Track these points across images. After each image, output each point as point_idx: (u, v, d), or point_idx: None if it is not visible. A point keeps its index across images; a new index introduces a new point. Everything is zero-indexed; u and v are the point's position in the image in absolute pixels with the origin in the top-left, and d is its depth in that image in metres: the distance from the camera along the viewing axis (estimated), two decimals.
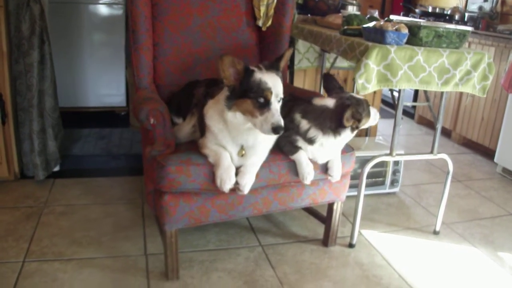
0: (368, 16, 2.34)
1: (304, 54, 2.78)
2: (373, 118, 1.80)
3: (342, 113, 1.66)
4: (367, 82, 1.79)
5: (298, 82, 2.85)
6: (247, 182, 1.65)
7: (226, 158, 1.63)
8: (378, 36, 1.83)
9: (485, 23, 3.83)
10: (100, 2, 3.68)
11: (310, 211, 2.29)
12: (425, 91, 2.10)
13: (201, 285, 1.80)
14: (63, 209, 2.30)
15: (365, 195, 2.32)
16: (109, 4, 3.71)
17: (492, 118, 3.37)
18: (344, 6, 2.76)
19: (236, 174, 1.65)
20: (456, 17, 4.11)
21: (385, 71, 1.81)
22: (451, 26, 1.89)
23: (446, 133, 3.94)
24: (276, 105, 1.53)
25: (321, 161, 1.82)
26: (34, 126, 2.45)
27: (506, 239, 2.31)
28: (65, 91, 3.59)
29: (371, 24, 1.92)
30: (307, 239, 2.18)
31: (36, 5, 2.33)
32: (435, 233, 2.30)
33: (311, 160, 1.79)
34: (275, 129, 1.49)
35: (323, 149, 1.78)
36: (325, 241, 2.13)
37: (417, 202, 2.68)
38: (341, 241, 2.16)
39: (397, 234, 2.29)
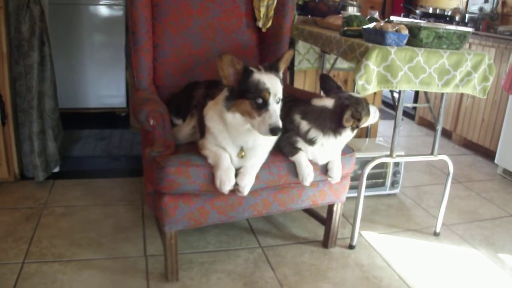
0: (368, 17, 2.34)
1: (304, 55, 2.78)
2: (373, 116, 1.79)
3: (342, 113, 1.66)
4: (367, 83, 1.79)
5: (299, 83, 2.85)
6: (247, 184, 1.65)
7: (225, 160, 1.63)
8: (378, 37, 1.83)
9: (486, 24, 3.83)
10: (100, 3, 3.68)
11: (310, 212, 2.28)
12: (425, 92, 2.10)
13: (201, 286, 1.79)
14: (63, 210, 2.30)
15: (365, 197, 2.31)
16: (109, 5, 3.71)
17: (493, 119, 3.37)
18: (344, 7, 2.76)
19: (236, 175, 1.64)
20: (457, 18, 4.11)
21: (385, 72, 1.80)
22: (452, 27, 1.89)
23: (446, 134, 3.94)
24: (274, 105, 1.52)
25: (322, 161, 1.82)
26: (34, 127, 2.45)
27: (507, 240, 2.30)
28: (66, 92, 3.59)
29: (371, 25, 1.91)
30: (307, 240, 2.18)
31: (36, 6, 2.33)
32: (436, 234, 2.30)
33: (311, 161, 1.79)
34: (272, 130, 1.47)
35: (324, 150, 1.78)
36: (325, 243, 2.12)
37: (418, 203, 2.67)
38: (341, 242, 2.16)
39: (397, 236, 2.28)
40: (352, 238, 2.12)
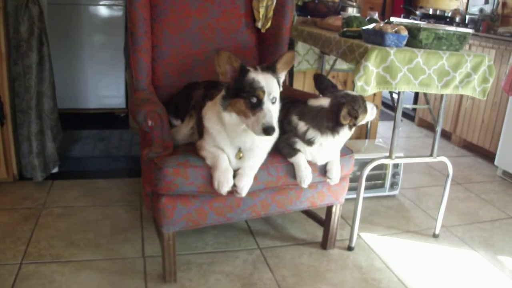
0: (368, 18, 2.33)
1: (304, 56, 2.77)
2: (370, 113, 1.79)
3: (338, 112, 1.65)
4: (367, 84, 1.78)
5: (298, 84, 2.85)
6: (245, 185, 1.64)
7: (224, 161, 1.63)
8: (378, 38, 1.82)
9: (486, 26, 3.83)
10: (100, 3, 3.68)
11: (308, 213, 2.28)
12: (425, 94, 2.09)
13: (199, 287, 1.79)
14: (61, 211, 2.30)
15: (364, 198, 2.31)
16: (109, 6, 3.71)
17: (493, 120, 3.36)
18: (344, 8, 2.76)
19: (234, 176, 1.64)
20: (457, 19, 4.10)
21: (384, 73, 1.80)
22: (451, 28, 1.89)
23: (446, 135, 3.93)
24: (269, 105, 1.50)
25: (321, 162, 1.81)
26: (33, 127, 2.45)
27: (506, 242, 2.30)
28: (65, 93, 3.58)
29: (370, 26, 1.91)
30: (305, 242, 2.17)
31: (35, 7, 2.33)
32: (435, 236, 2.29)
33: (310, 162, 1.78)
34: (265, 130, 1.45)
35: (323, 150, 1.77)
36: (324, 244, 2.12)
37: (417, 205, 2.67)
38: (340, 244, 2.15)
39: (397, 237, 2.28)
40: (351, 239, 2.11)
